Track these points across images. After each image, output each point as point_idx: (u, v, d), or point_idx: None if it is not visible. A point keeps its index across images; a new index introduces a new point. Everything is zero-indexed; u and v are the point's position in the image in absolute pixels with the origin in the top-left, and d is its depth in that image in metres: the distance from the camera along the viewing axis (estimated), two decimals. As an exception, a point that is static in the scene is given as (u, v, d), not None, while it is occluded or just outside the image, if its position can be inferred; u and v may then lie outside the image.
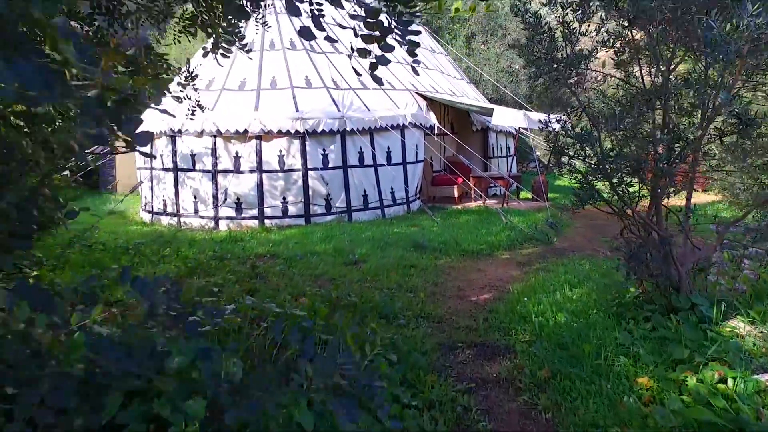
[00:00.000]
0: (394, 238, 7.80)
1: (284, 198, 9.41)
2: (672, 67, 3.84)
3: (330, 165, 9.61)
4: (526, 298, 4.70)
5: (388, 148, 10.43)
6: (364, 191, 10.00)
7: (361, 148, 9.93)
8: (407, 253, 6.79)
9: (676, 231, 4.09)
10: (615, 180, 3.74)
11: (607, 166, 3.66)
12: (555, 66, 4.01)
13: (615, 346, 3.48)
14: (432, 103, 12.08)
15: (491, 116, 10.86)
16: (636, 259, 3.73)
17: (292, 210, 9.43)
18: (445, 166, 13.28)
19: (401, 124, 10.56)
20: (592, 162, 3.64)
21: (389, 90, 11.30)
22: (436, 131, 11.37)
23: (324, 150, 9.57)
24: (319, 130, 9.41)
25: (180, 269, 5.86)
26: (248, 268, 5.92)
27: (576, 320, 4.04)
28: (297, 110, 9.41)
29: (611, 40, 3.96)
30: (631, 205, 3.85)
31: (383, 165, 10.11)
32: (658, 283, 4.02)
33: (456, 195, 11.91)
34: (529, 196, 12.44)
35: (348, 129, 9.65)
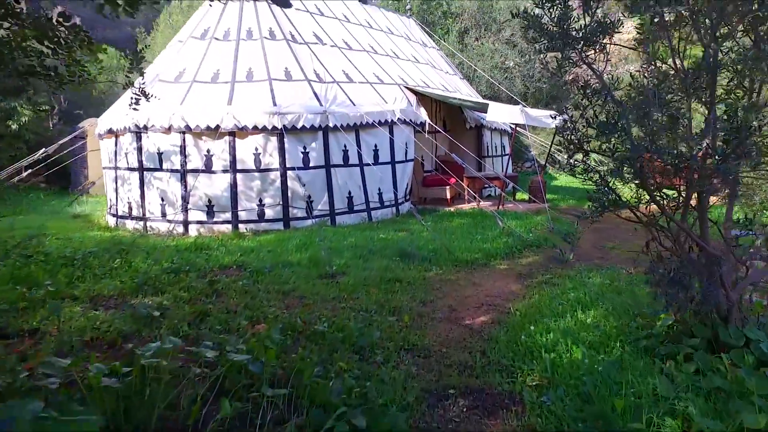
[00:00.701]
0: (379, 245, 6.93)
1: (260, 200, 8.52)
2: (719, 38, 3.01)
3: (311, 164, 8.73)
4: (531, 326, 3.84)
5: (376, 146, 9.57)
6: (349, 193, 9.14)
7: (345, 146, 9.07)
8: (393, 264, 5.93)
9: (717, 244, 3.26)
10: (650, 180, 2.90)
11: (640, 164, 2.82)
12: (570, 40, 3.18)
13: (654, 399, 2.64)
14: (423, 98, 11.24)
15: (486, 112, 10.04)
16: (675, 282, 2.89)
17: (269, 213, 8.54)
18: (437, 165, 12.47)
19: (389, 120, 9.71)
20: (625, 158, 2.79)
21: (377, 84, 10.44)
22: (427, 128, 10.53)
23: (304, 148, 8.69)
24: (299, 126, 8.53)
25: (125, 285, 4.97)
26: (206, 283, 5.04)
27: (597, 357, 3.20)
28: (275, 104, 8.52)
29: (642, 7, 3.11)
30: (669, 212, 3.01)
31: (370, 164, 9.25)
32: (698, 311, 3.19)
33: (448, 196, 11.07)
34: (526, 197, 11.62)
35: (331, 125, 8.78)
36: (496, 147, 13.97)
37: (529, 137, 11.26)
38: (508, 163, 11.85)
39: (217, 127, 8.27)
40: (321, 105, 8.83)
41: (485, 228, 8.30)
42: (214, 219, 8.45)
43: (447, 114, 13.29)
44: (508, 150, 15.00)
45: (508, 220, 8.45)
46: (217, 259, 6.22)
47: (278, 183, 8.51)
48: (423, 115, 10.65)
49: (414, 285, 5.18)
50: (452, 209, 10.55)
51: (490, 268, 6.06)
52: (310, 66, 9.57)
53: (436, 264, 6.06)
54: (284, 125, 8.42)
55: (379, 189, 9.62)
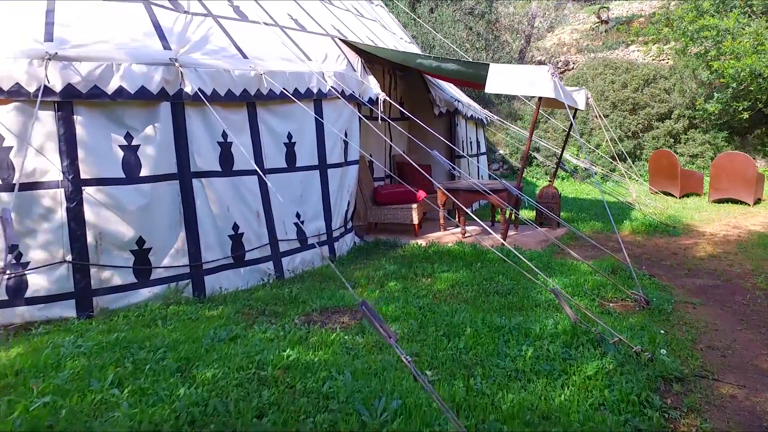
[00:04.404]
0: (274, 415, 2.28)
1: (18, 254, 3.62)
2: None
3: (144, 172, 3.92)
4: None
5: (290, 135, 4.91)
6: (235, 227, 4.40)
7: (225, 135, 4.33)
8: None
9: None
10: None
11: None
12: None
13: None
14: (372, 65, 6.65)
15: (484, 79, 5.56)
16: None
17: (38, 284, 3.63)
18: (398, 168, 8.01)
19: (316, 91, 5.07)
20: None
21: (294, 30, 5.75)
22: (380, 108, 5.96)
23: (128, 136, 3.87)
24: (111, 89, 3.71)
25: None
26: None
27: None
28: (50, 38, 3.66)
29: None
30: None
31: (278, 170, 4.60)
32: None
33: (416, 220, 6.55)
34: (530, 215, 7.35)
35: (189, 91, 4.02)
36: (471, 143, 9.61)
37: (495, 132, 6.84)
38: (483, 166, 7.33)
39: None
40: (168, 48, 4.04)
41: (513, 298, 3.84)
42: None
43: (405, 92, 8.76)
44: (483, 148, 10.72)
45: (534, 267, 3.97)
46: None
47: (62, 213, 3.64)
48: (373, 85, 6.08)
49: None
50: (422, 242, 6.05)
51: None
52: (159, -20, 4.72)
53: None
54: (72, 84, 3.57)
55: (298, 214, 4.96)
